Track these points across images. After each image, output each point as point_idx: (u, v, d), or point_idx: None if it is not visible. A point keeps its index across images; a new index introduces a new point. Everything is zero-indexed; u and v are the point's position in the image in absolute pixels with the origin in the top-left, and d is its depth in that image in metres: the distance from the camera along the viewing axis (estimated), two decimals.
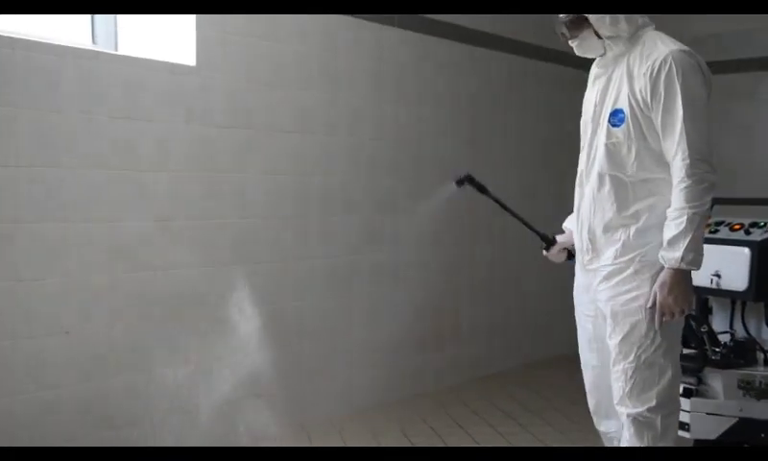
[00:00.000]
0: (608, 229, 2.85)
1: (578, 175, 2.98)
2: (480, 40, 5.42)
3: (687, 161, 2.67)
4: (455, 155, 5.25)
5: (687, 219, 2.66)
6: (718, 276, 3.79)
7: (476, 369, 5.52)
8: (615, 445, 3.04)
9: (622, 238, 2.83)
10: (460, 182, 3.05)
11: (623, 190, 2.82)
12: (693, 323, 3.75)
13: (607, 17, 2.79)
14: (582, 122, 3.00)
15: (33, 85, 3.32)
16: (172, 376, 3.82)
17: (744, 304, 3.90)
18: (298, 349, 4.42)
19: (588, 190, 2.90)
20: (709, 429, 3.62)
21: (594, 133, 2.90)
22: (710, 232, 3.84)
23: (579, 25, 2.84)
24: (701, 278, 3.80)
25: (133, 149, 3.65)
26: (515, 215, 3.18)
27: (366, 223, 4.76)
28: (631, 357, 2.80)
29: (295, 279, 4.39)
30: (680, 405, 2.95)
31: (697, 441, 3.71)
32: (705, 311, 4.01)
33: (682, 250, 2.67)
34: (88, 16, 3.80)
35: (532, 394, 5.18)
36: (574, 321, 3.09)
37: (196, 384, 3.92)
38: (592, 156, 2.90)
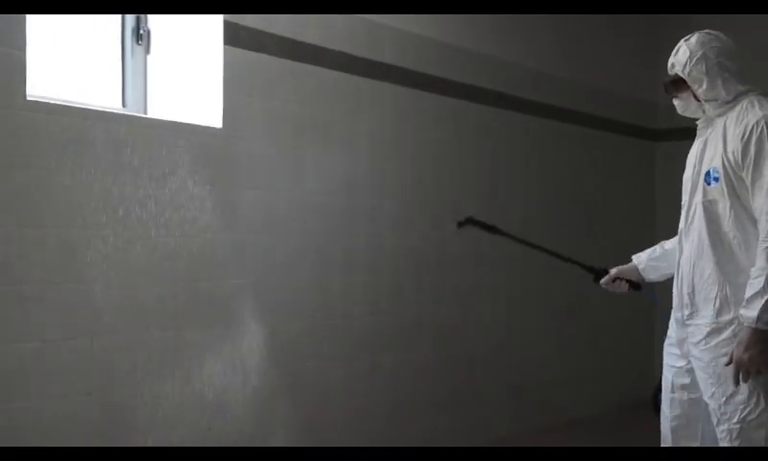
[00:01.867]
0: (706, 285, 2.94)
1: (679, 231, 3.08)
2: (497, 101, 5.48)
3: None
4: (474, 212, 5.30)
5: (766, 279, 2.73)
6: None
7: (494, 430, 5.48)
8: None
9: (719, 295, 2.91)
10: (461, 224, 3.05)
11: (720, 248, 2.91)
12: None
13: (704, 82, 2.93)
14: (684, 179, 3.10)
15: (65, 149, 3.38)
16: (188, 435, 3.83)
17: None
18: (316, 411, 4.41)
19: (688, 247, 3.01)
20: None
21: (693, 191, 3.01)
22: None
23: (679, 86, 3.03)
24: None
25: (161, 211, 3.70)
26: (546, 251, 3.18)
27: (390, 281, 4.79)
28: (735, 418, 2.86)
29: (314, 340, 4.41)
30: None
31: None
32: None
33: (758, 309, 2.73)
34: (119, 82, 3.89)
35: None
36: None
37: (202, 441, 3.93)
38: (692, 213, 3.01)
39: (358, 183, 4.61)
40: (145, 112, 3.94)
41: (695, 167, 3.01)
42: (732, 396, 2.86)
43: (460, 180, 5.25)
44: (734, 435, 2.86)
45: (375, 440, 4.66)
